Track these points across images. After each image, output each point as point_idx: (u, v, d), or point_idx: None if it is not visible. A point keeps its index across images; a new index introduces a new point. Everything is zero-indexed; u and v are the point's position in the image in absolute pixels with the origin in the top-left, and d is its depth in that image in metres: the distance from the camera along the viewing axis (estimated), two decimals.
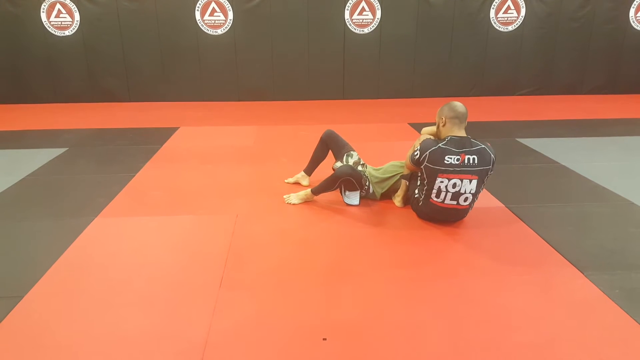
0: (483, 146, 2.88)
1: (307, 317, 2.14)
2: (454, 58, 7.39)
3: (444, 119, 2.95)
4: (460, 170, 2.83)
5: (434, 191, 2.92)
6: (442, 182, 2.87)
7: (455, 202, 2.91)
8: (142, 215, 3.24)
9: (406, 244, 2.82)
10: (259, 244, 2.82)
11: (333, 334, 2.02)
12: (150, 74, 7.15)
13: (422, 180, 3.00)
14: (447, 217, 3.02)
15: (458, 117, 2.91)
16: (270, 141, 5.12)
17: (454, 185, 2.85)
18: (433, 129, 3.15)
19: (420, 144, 2.95)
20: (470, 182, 2.85)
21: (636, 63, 7.57)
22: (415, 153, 2.95)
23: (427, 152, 2.87)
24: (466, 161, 2.82)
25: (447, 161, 2.82)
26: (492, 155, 2.89)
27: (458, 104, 2.95)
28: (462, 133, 2.92)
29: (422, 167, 2.93)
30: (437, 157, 2.85)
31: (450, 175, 2.84)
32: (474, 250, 2.75)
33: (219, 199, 3.50)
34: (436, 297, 2.30)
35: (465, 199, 2.91)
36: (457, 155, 2.82)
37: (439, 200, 2.93)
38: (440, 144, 2.87)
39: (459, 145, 2.85)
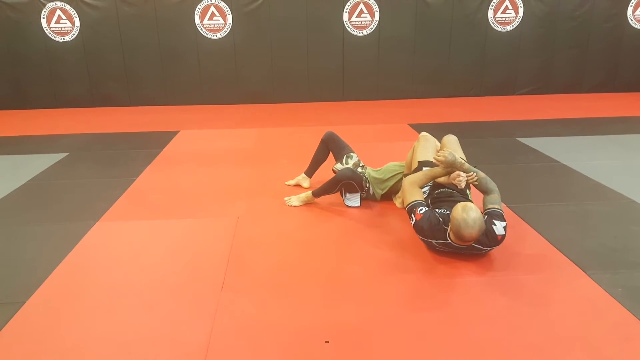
0: (486, 250, 2.59)
1: (309, 319, 2.14)
2: (452, 58, 7.39)
3: (448, 227, 2.54)
4: (456, 251, 2.62)
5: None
6: (438, 248, 2.68)
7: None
8: (143, 219, 3.24)
9: (407, 245, 2.81)
10: (260, 246, 2.82)
11: (335, 336, 2.01)
12: (150, 78, 7.16)
13: None
14: None
15: (460, 239, 2.47)
16: (270, 143, 5.12)
17: (452, 253, 2.66)
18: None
19: (418, 219, 2.62)
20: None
21: (635, 61, 7.56)
22: (412, 221, 2.69)
23: (419, 233, 2.66)
24: (462, 252, 2.61)
25: (439, 248, 2.64)
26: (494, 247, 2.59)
27: (467, 233, 2.39)
28: (465, 244, 2.52)
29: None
30: (427, 242, 2.67)
31: (444, 252, 2.66)
32: None
33: (220, 201, 3.51)
34: (438, 298, 2.30)
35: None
36: (451, 249, 2.61)
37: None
38: (433, 241, 2.60)
39: (456, 248, 2.59)
